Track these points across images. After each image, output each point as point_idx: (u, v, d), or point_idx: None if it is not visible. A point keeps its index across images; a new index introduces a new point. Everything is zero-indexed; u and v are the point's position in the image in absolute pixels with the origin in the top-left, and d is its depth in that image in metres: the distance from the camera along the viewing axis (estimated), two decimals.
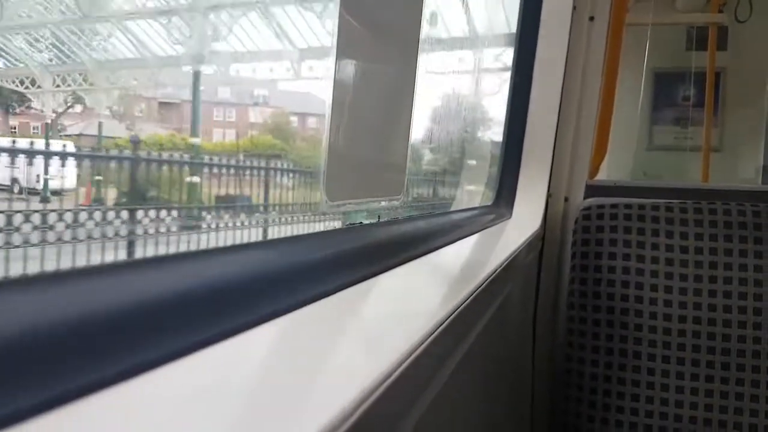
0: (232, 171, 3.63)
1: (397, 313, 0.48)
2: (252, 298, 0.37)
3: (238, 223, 3.67)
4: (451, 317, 0.48)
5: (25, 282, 0.26)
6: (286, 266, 0.44)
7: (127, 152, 3.16)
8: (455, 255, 0.78)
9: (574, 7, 1.34)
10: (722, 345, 1.22)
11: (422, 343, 0.40)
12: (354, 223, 0.60)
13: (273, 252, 0.46)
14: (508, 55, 1.49)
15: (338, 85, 0.47)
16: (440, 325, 0.45)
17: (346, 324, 0.42)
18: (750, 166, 2.91)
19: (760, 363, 1.20)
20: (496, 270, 0.69)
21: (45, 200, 2.62)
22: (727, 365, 1.21)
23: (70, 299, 0.25)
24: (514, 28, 1.40)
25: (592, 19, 1.40)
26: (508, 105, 1.39)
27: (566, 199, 1.45)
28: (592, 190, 1.44)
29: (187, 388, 0.27)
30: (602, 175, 1.71)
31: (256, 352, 0.33)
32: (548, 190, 1.37)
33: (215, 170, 3.56)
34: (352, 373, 0.33)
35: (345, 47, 0.47)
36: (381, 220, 0.65)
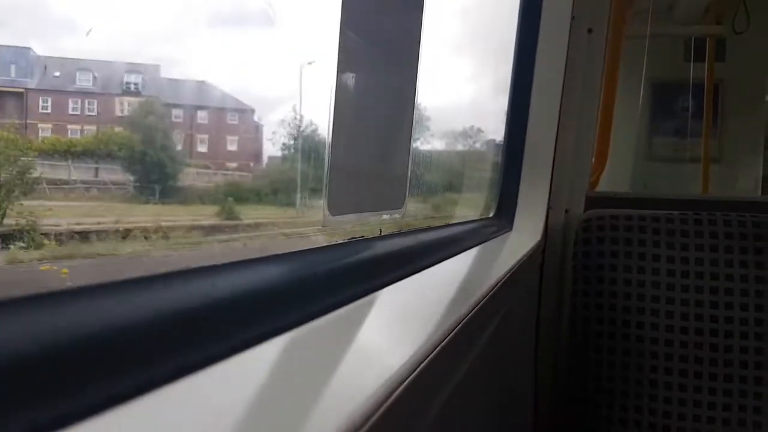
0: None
1: (400, 329, 0.47)
2: (251, 316, 0.37)
3: None
4: (453, 332, 0.47)
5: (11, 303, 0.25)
6: (285, 282, 0.43)
7: None
8: (457, 269, 0.77)
9: (573, 19, 1.34)
10: (725, 357, 1.21)
11: (425, 359, 0.40)
12: (356, 237, 0.59)
13: (272, 268, 0.46)
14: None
15: (339, 97, 0.47)
16: (442, 341, 0.44)
17: (348, 341, 0.41)
18: (750, 176, 2.92)
19: (763, 374, 1.19)
20: (497, 284, 0.69)
21: None
22: (729, 377, 1.20)
23: (71, 319, 0.25)
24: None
25: (590, 31, 1.40)
26: (507, 117, 1.39)
27: (566, 211, 1.44)
28: (592, 202, 1.44)
29: (191, 407, 0.27)
30: (602, 187, 1.71)
31: (257, 371, 0.33)
32: (548, 202, 1.37)
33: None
34: (357, 391, 0.32)
35: (345, 60, 0.47)
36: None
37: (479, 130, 1.78)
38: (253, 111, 1.14)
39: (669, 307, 1.24)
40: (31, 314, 0.24)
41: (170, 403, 0.26)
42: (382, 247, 0.61)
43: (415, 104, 0.66)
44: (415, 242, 0.71)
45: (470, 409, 0.62)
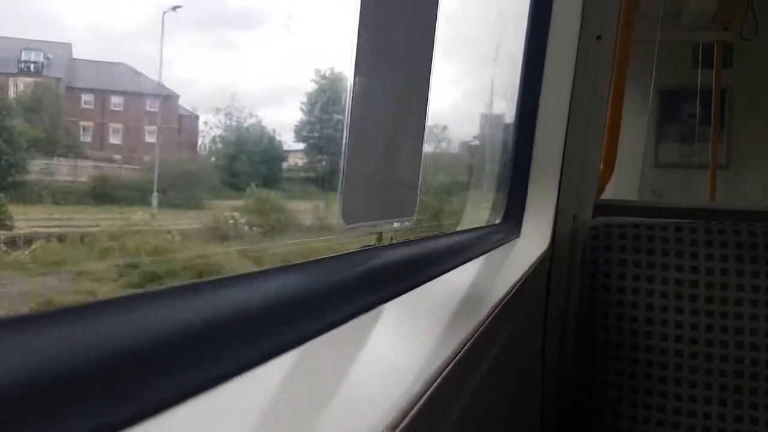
0: None
1: (413, 342, 0.47)
2: (260, 330, 0.36)
3: None
4: (466, 346, 0.47)
5: None
6: (295, 294, 0.42)
7: None
8: (466, 278, 0.76)
9: (582, 27, 1.34)
10: (735, 367, 1.20)
11: (440, 375, 0.39)
12: (367, 246, 0.59)
13: (281, 279, 0.45)
14: None
15: (355, 105, 0.46)
16: (456, 355, 0.44)
17: (360, 355, 0.40)
18: (757, 183, 2.90)
19: None
20: (507, 294, 0.68)
21: None
22: (740, 389, 1.19)
23: (65, 341, 0.24)
24: None
25: (599, 38, 1.39)
26: (515, 122, 1.39)
27: (574, 218, 1.43)
28: (600, 209, 1.43)
29: (201, 428, 0.26)
30: (609, 193, 1.70)
31: (268, 388, 0.32)
32: (556, 209, 1.36)
33: None
34: (371, 408, 0.32)
35: (361, 68, 0.46)
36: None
37: (444, 127, 1.67)
38: (178, 97, 1.02)
39: (678, 317, 1.23)
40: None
41: (178, 424, 0.26)
42: (391, 256, 0.61)
43: (428, 111, 0.66)
44: (424, 250, 0.71)
45: (483, 419, 0.61)
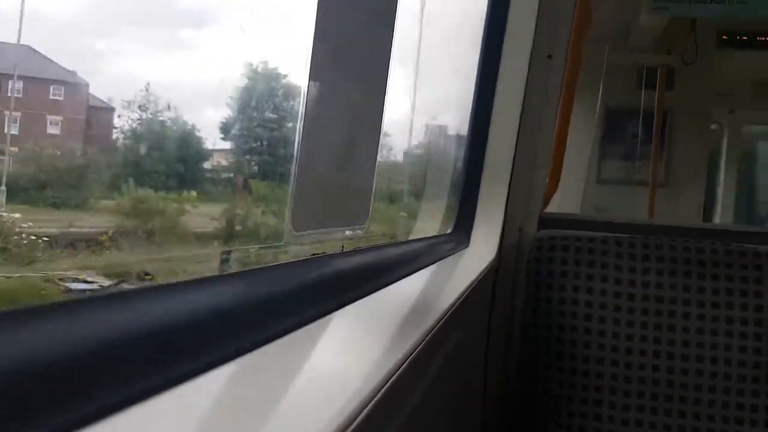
0: None
1: (359, 353, 0.47)
2: (201, 340, 0.35)
3: None
4: (412, 356, 0.47)
5: None
6: (239, 303, 0.41)
7: None
8: (414, 287, 0.77)
9: (534, 45, 1.37)
10: (667, 377, 1.25)
11: (384, 384, 0.39)
12: (317, 254, 0.59)
13: (225, 287, 0.44)
14: None
15: (309, 110, 0.46)
16: (401, 366, 0.44)
17: (305, 366, 0.40)
18: (693, 201, 3.04)
19: (701, 396, 1.23)
20: (454, 303, 0.69)
21: None
22: (670, 397, 1.24)
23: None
24: None
25: (550, 57, 1.43)
26: (468, 135, 1.41)
27: (520, 230, 1.47)
28: (545, 222, 1.47)
29: None
30: (553, 208, 1.75)
31: (207, 400, 0.32)
32: (504, 221, 1.39)
33: None
34: (311, 421, 0.32)
35: (316, 72, 0.46)
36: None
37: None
38: (87, 85, 0.93)
39: (615, 329, 1.27)
40: None
41: None
42: (341, 264, 0.61)
43: (383, 118, 0.66)
44: (375, 259, 0.71)
45: (427, 429, 0.62)
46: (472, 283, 0.90)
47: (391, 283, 0.70)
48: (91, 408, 0.25)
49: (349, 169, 0.62)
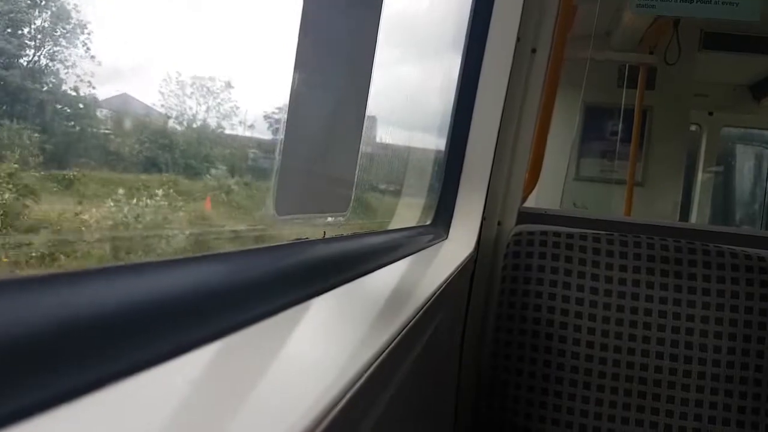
0: None
1: (337, 340, 0.46)
2: (177, 321, 0.35)
3: None
4: (391, 346, 0.47)
5: None
6: (217, 285, 0.41)
7: None
8: (394, 277, 0.77)
9: (518, 39, 1.38)
10: (640, 374, 1.26)
11: (364, 373, 0.39)
12: (299, 239, 0.58)
13: (203, 268, 0.43)
14: None
15: (294, 99, 0.46)
16: (380, 354, 0.44)
17: (282, 352, 0.40)
18: (669, 200, 3.08)
19: (674, 394, 1.25)
20: (433, 294, 0.69)
21: None
22: (643, 394, 1.26)
23: None
24: None
25: (534, 51, 1.44)
26: (450, 128, 1.41)
27: (499, 224, 1.47)
28: (523, 217, 1.48)
29: (103, 424, 0.25)
30: (532, 202, 1.76)
31: (181, 383, 0.31)
32: (483, 214, 1.40)
33: None
34: (286, 409, 0.31)
35: (302, 63, 0.46)
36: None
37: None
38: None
39: (590, 324, 1.29)
40: None
41: (81, 419, 0.24)
42: (322, 251, 0.60)
43: (366, 108, 0.66)
44: (356, 247, 0.71)
45: (402, 418, 0.62)
46: (451, 275, 0.90)
47: (371, 271, 0.70)
48: (67, 386, 0.25)
49: (333, 158, 0.62)
